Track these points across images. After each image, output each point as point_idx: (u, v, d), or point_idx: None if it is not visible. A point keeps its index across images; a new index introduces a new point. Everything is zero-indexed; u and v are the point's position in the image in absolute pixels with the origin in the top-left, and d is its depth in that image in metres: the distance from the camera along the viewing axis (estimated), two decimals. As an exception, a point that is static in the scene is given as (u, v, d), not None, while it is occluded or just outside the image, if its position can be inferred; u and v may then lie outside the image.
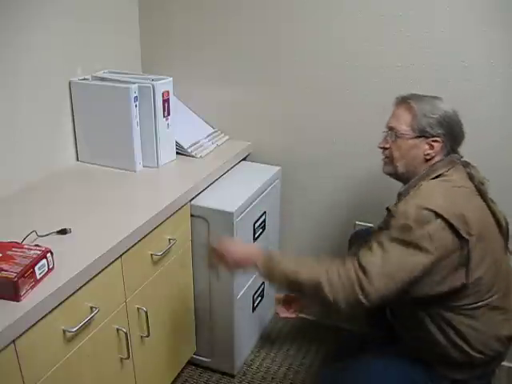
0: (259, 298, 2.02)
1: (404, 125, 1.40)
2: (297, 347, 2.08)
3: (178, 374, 1.86)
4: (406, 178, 1.43)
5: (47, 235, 1.29)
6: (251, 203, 1.76)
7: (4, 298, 1.05)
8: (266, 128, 2.04)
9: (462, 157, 1.44)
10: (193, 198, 1.68)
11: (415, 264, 1.24)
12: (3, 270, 1.06)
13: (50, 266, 1.15)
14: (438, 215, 1.23)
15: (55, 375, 1.15)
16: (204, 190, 1.74)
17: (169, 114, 1.78)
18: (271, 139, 2.05)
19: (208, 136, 2.03)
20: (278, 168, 2.00)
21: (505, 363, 1.96)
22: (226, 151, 1.98)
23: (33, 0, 1.55)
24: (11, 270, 1.06)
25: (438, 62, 1.71)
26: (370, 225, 1.99)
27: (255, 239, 1.85)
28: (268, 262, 1.33)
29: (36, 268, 1.10)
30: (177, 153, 1.89)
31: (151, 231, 1.45)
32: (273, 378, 1.93)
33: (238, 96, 2.03)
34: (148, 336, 1.51)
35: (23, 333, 1.03)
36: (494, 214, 1.39)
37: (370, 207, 1.96)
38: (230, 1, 1.91)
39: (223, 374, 1.94)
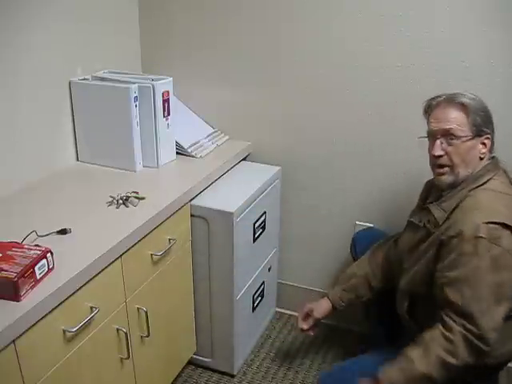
0: (259, 298, 2.02)
1: (462, 126, 1.31)
2: (297, 347, 2.08)
3: (178, 373, 1.86)
4: (459, 184, 1.34)
5: (47, 235, 1.29)
6: (251, 203, 1.76)
7: (4, 298, 1.05)
8: (266, 128, 2.04)
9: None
10: (193, 198, 1.68)
11: (508, 282, 1.19)
12: (3, 269, 1.06)
13: (50, 266, 1.15)
14: (506, 226, 1.19)
15: (55, 375, 1.15)
16: (204, 190, 1.74)
17: (169, 114, 1.78)
18: (271, 139, 2.05)
19: (208, 136, 2.03)
20: (277, 168, 2.00)
21: (505, 363, 1.96)
22: (226, 151, 1.98)
23: (33, 0, 1.55)
24: (11, 270, 1.06)
25: (438, 62, 1.71)
26: (369, 225, 1.99)
27: (255, 239, 1.85)
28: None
29: (36, 268, 1.10)
30: (177, 153, 1.89)
31: (151, 231, 1.45)
32: (273, 378, 1.93)
33: (238, 96, 2.03)
34: (148, 336, 1.51)
35: (23, 333, 1.03)
36: None
37: (370, 207, 1.96)
38: (230, 1, 1.91)
39: (223, 373, 1.94)
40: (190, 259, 1.75)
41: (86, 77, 1.78)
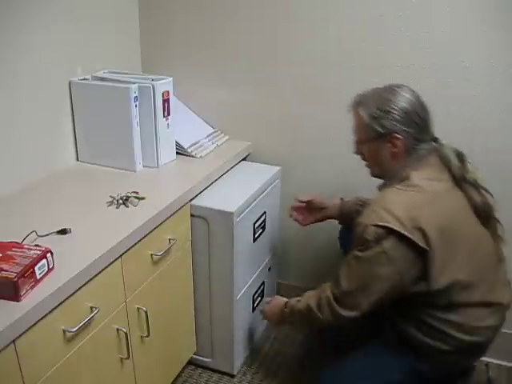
0: (259, 298, 2.02)
1: (360, 131, 1.40)
2: (297, 347, 2.08)
3: (178, 373, 1.86)
4: (386, 176, 1.43)
5: (47, 235, 1.29)
6: (251, 203, 1.76)
7: (4, 298, 1.05)
8: (266, 128, 2.04)
9: (435, 139, 1.40)
10: (193, 198, 1.68)
11: (383, 277, 1.29)
12: (3, 269, 1.06)
13: (50, 266, 1.15)
14: (391, 231, 1.25)
15: (55, 375, 1.15)
16: (204, 190, 1.74)
17: (169, 114, 1.78)
18: (271, 139, 2.05)
19: (208, 136, 2.03)
20: (277, 168, 2.00)
21: (505, 363, 1.96)
22: (226, 151, 1.98)
23: (33, 0, 1.55)
24: (11, 270, 1.06)
25: (438, 62, 1.71)
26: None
27: (255, 239, 1.85)
28: (288, 310, 1.55)
29: (36, 268, 1.10)
30: (177, 153, 1.89)
31: (151, 231, 1.45)
32: (273, 378, 1.93)
33: (238, 96, 2.03)
34: (148, 336, 1.51)
35: (23, 333, 1.03)
36: (472, 203, 1.37)
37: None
38: (229, 1, 1.91)
39: (223, 373, 1.94)
40: (190, 259, 1.75)
41: (86, 77, 1.78)
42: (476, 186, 1.39)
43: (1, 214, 1.43)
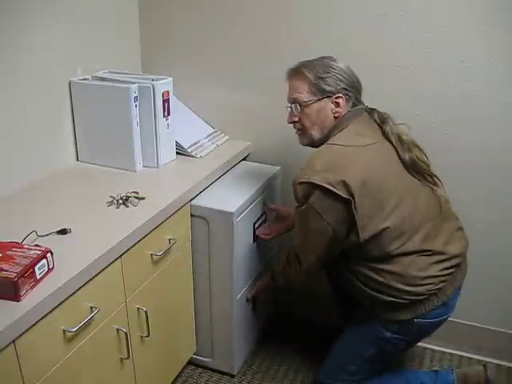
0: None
1: (304, 92, 1.44)
2: (297, 347, 2.07)
3: (178, 373, 1.86)
4: (324, 142, 1.46)
5: (47, 235, 1.29)
6: (251, 203, 1.76)
7: (4, 298, 1.05)
8: (266, 128, 2.04)
9: (366, 106, 1.50)
10: (193, 198, 1.68)
11: (316, 231, 1.39)
12: (3, 269, 1.06)
13: (50, 266, 1.15)
14: (315, 185, 1.33)
15: (55, 375, 1.15)
16: (204, 190, 1.74)
17: (169, 114, 1.78)
18: (271, 139, 2.05)
19: (208, 136, 2.03)
20: (277, 168, 2.00)
21: (505, 363, 1.97)
22: (226, 151, 1.98)
23: (33, 0, 1.55)
24: (11, 270, 1.06)
25: (438, 62, 1.71)
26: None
27: (255, 239, 1.85)
28: (274, 274, 1.73)
29: (36, 268, 1.10)
30: (177, 153, 1.89)
31: (151, 231, 1.45)
32: (273, 378, 1.93)
33: (238, 96, 2.03)
34: (148, 336, 1.51)
35: (23, 333, 1.03)
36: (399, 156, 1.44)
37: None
38: (230, 1, 1.91)
39: (223, 373, 1.94)
40: (190, 259, 1.75)
41: (86, 77, 1.78)
42: (402, 142, 1.46)
43: (1, 214, 1.43)
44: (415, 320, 1.43)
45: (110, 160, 1.78)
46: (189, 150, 1.89)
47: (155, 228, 1.47)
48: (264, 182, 1.87)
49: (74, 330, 1.17)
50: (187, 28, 2.00)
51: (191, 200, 1.67)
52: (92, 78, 1.78)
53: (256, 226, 1.83)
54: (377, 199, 1.35)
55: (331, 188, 1.31)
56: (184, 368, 1.91)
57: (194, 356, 1.93)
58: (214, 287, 1.77)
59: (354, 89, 1.46)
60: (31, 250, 1.14)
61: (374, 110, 1.51)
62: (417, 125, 1.57)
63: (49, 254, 1.14)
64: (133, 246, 1.38)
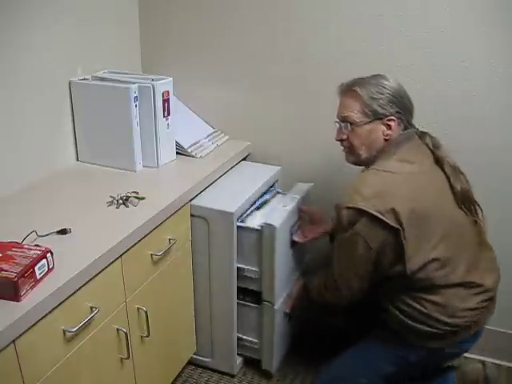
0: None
1: (356, 112, 1.40)
2: (297, 346, 2.07)
3: (178, 373, 1.86)
4: (372, 162, 1.44)
5: (47, 235, 1.29)
6: (289, 213, 1.73)
7: (4, 298, 1.05)
8: (266, 128, 2.04)
9: (417, 129, 1.46)
10: (193, 198, 1.68)
11: (361, 259, 1.35)
12: (3, 269, 1.06)
13: (50, 266, 1.15)
14: (363, 212, 1.29)
15: (55, 375, 1.15)
16: (204, 190, 1.74)
17: (169, 114, 1.78)
18: (271, 139, 2.05)
19: (208, 136, 2.03)
20: (277, 168, 2.00)
21: (505, 363, 1.97)
22: (226, 151, 1.98)
23: (33, 0, 1.55)
24: (11, 270, 1.06)
25: (438, 62, 1.71)
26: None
27: (293, 245, 1.82)
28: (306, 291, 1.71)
29: (36, 268, 1.10)
30: (177, 153, 1.89)
31: (151, 231, 1.45)
32: (273, 378, 1.93)
33: (238, 96, 2.03)
34: (148, 336, 1.51)
35: (23, 333, 1.03)
36: (451, 185, 1.41)
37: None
38: (229, 1, 1.91)
39: (223, 374, 1.94)
40: (190, 259, 1.75)
41: (86, 77, 1.78)
42: (455, 170, 1.43)
43: (1, 214, 1.43)
44: (446, 349, 1.42)
45: (110, 160, 1.78)
46: (189, 150, 1.89)
47: (155, 228, 1.47)
48: (264, 182, 1.86)
49: (74, 330, 1.17)
50: (187, 28, 2.00)
51: (191, 200, 1.67)
52: (92, 78, 1.78)
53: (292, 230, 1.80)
54: (424, 230, 1.31)
55: (380, 216, 1.27)
56: (184, 368, 1.91)
57: (194, 356, 1.93)
58: (214, 287, 1.77)
59: (406, 111, 1.42)
60: (31, 249, 1.14)
61: (426, 133, 1.46)
62: (417, 125, 1.57)
63: (49, 254, 1.14)
64: (133, 246, 1.38)
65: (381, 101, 1.38)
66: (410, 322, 1.39)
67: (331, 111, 1.91)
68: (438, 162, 1.42)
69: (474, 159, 1.77)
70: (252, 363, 1.96)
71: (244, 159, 2.06)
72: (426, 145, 1.44)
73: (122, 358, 1.41)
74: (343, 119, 1.45)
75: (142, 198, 1.52)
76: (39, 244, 1.20)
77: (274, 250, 1.65)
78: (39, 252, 1.13)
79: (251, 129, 2.07)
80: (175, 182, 1.78)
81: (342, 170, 1.96)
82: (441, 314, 1.36)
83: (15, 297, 1.05)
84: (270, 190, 1.93)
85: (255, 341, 1.87)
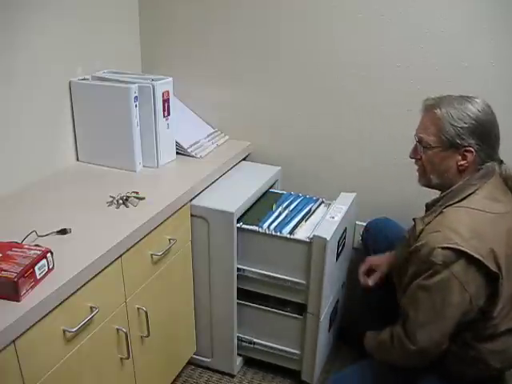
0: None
1: (432, 136, 1.30)
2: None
3: (178, 373, 1.86)
4: (443, 188, 1.34)
5: (47, 235, 1.29)
6: (338, 226, 1.69)
7: (4, 298, 1.05)
8: (266, 128, 2.04)
9: (501, 161, 1.33)
10: (193, 198, 1.68)
11: (453, 307, 1.21)
12: (3, 269, 1.06)
13: (50, 266, 1.15)
14: (462, 253, 1.17)
15: (55, 375, 1.15)
16: (204, 189, 1.74)
17: (169, 114, 1.78)
18: (271, 139, 2.05)
19: (208, 136, 2.03)
20: (278, 168, 2.00)
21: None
22: (226, 151, 1.98)
23: (33, 0, 1.55)
24: (11, 270, 1.05)
25: (438, 61, 1.71)
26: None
27: (338, 256, 1.79)
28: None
29: (36, 268, 1.10)
30: (177, 153, 1.89)
31: (151, 231, 1.45)
32: (273, 378, 1.92)
33: (238, 96, 2.03)
34: (148, 336, 1.51)
35: (23, 333, 1.03)
36: None
37: (370, 207, 1.96)
38: (230, 1, 1.90)
39: (223, 373, 1.94)
40: (190, 259, 1.75)
41: (86, 77, 1.78)
42: None
43: (1, 214, 1.43)
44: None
45: (110, 160, 1.78)
46: (189, 150, 1.89)
47: (155, 228, 1.47)
48: (264, 182, 1.86)
49: (74, 330, 1.17)
50: (187, 28, 2.00)
51: (191, 200, 1.67)
52: (92, 77, 1.78)
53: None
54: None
55: (481, 259, 1.16)
56: (184, 368, 1.91)
57: (194, 356, 1.93)
58: (214, 287, 1.77)
59: (488, 145, 1.28)
60: (31, 249, 1.14)
61: (508, 168, 1.34)
62: (417, 125, 1.57)
63: (49, 254, 1.14)
64: (133, 246, 1.38)
65: (461, 129, 1.25)
66: (467, 369, 1.31)
67: (332, 111, 1.92)
68: None
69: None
70: (279, 371, 1.93)
71: (244, 159, 2.06)
72: (506, 180, 1.33)
73: (121, 358, 1.41)
74: (419, 139, 1.35)
75: (142, 198, 1.52)
76: (39, 244, 1.20)
77: (324, 262, 1.59)
78: (39, 252, 1.13)
79: (251, 129, 2.07)
80: (175, 181, 1.78)
81: (343, 170, 1.97)
82: (499, 362, 1.29)
83: (15, 297, 1.05)
84: (314, 199, 1.89)
85: (295, 352, 1.84)
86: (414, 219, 1.40)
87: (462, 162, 1.28)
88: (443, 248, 1.18)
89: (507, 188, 1.32)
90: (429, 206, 1.39)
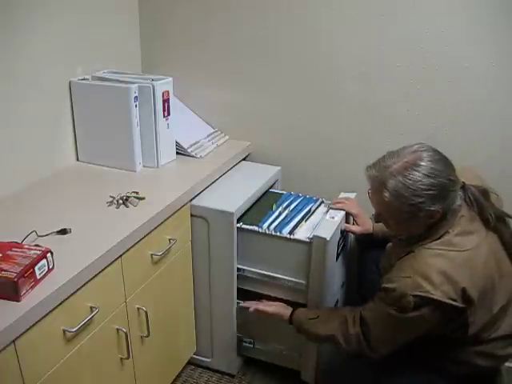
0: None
1: (390, 214, 1.28)
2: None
3: (178, 373, 1.86)
4: (420, 239, 1.29)
5: (47, 235, 1.29)
6: (337, 227, 1.69)
7: (4, 298, 1.05)
8: (266, 128, 2.04)
9: (463, 185, 1.28)
10: (193, 198, 1.68)
11: (412, 333, 1.26)
12: (3, 269, 1.06)
13: (50, 266, 1.15)
14: (432, 300, 1.17)
15: (55, 375, 1.15)
16: (204, 189, 1.74)
17: (169, 114, 1.78)
18: (271, 139, 2.05)
19: (208, 136, 2.03)
20: (277, 168, 2.00)
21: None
22: (226, 151, 1.98)
23: (33, 0, 1.55)
24: (11, 270, 1.06)
25: (438, 62, 1.71)
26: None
27: (338, 257, 1.79)
28: (296, 324, 1.52)
29: (36, 268, 1.10)
30: (177, 153, 1.89)
31: (151, 231, 1.45)
32: (273, 378, 1.93)
33: (238, 96, 2.03)
34: (148, 336, 1.51)
35: (23, 333, 1.03)
36: (506, 247, 1.31)
37: (370, 207, 1.96)
38: (230, 2, 1.91)
39: (223, 373, 1.94)
40: (190, 259, 1.75)
41: (85, 77, 1.78)
42: (503, 219, 1.32)
43: (1, 214, 1.43)
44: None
45: (110, 160, 1.78)
46: (189, 150, 1.89)
47: (155, 228, 1.47)
48: (264, 182, 1.86)
49: (74, 330, 1.17)
50: (187, 28, 2.00)
51: (191, 200, 1.67)
52: (92, 77, 1.78)
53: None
54: (489, 303, 1.25)
55: (451, 302, 1.17)
56: (184, 368, 1.91)
57: (194, 356, 1.93)
58: (214, 287, 1.77)
59: (450, 195, 1.22)
60: (31, 249, 1.14)
61: (468, 189, 1.29)
62: (417, 125, 1.57)
63: (49, 254, 1.14)
64: (133, 246, 1.38)
65: (419, 204, 1.20)
66: (455, 368, 1.33)
67: (332, 111, 1.92)
68: (487, 224, 1.29)
69: (473, 161, 1.77)
70: (279, 371, 1.93)
71: (244, 159, 2.06)
72: (472, 207, 1.29)
73: (121, 358, 1.41)
74: (376, 209, 1.31)
75: (142, 198, 1.52)
76: (39, 244, 1.20)
77: (324, 262, 1.59)
78: (39, 252, 1.13)
79: (251, 129, 2.07)
80: (175, 181, 1.78)
81: (343, 170, 1.97)
82: (486, 361, 1.31)
83: (15, 297, 1.05)
84: (314, 199, 1.88)
85: (295, 352, 1.83)
86: (389, 243, 1.43)
87: (430, 221, 1.24)
88: (414, 296, 1.18)
89: (474, 213, 1.29)
90: (401, 240, 1.37)
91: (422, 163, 1.20)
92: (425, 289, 1.17)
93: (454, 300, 1.18)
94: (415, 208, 1.21)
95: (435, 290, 1.17)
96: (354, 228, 1.73)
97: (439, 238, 1.25)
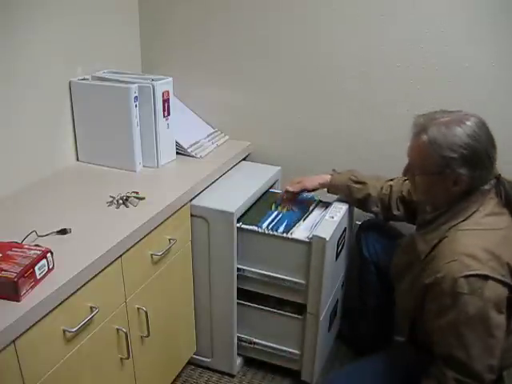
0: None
1: (420, 162, 1.26)
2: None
3: (178, 373, 1.86)
4: (438, 208, 1.31)
5: (47, 235, 1.29)
6: (337, 226, 1.69)
7: (4, 298, 1.05)
8: (266, 128, 2.04)
9: (498, 176, 1.28)
10: (193, 198, 1.68)
11: (498, 329, 1.16)
12: (3, 269, 1.06)
13: (50, 266, 1.15)
14: (486, 277, 1.13)
15: (55, 375, 1.15)
16: (204, 189, 1.74)
17: (169, 114, 1.78)
18: (271, 139, 2.05)
19: (208, 136, 2.03)
20: (277, 168, 2.00)
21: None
22: (226, 151, 1.98)
23: (33, 0, 1.55)
24: (11, 270, 1.06)
25: (438, 62, 1.71)
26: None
27: (337, 256, 1.80)
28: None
29: (36, 268, 1.10)
30: (177, 153, 1.89)
31: (151, 231, 1.45)
32: (273, 378, 1.93)
33: (238, 96, 2.03)
34: (148, 336, 1.51)
35: (23, 333, 1.03)
36: None
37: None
38: (230, 2, 1.91)
39: (223, 373, 1.94)
40: (190, 259, 1.75)
41: (85, 77, 1.78)
42: None
43: (1, 214, 1.43)
44: None
45: (110, 160, 1.78)
46: (189, 150, 1.89)
47: (155, 228, 1.47)
48: (264, 182, 1.86)
49: (74, 330, 1.17)
50: (187, 28, 2.00)
51: (191, 200, 1.67)
52: (92, 77, 1.78)
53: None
54: None
55: (503, 279, 1.15)
56: (184, 368, 1.91)
57: (194, 356, 1.93)
58: (214, 287, 1.77)
59: (482, 170, 1.22)
60: (31, 249, 1.14)
61: (506, 182, 1.29)
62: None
63: (49, 254, 1.14)
64: (133, 246, 1.38)
65: (450, 160, 1.20)
66: None
67: (332, 111, 1.92)
68: None
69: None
70: (277, 370, 1.93)
71: (244, 159, 2.06)
72: (506, 196, 1.29)
73: (121, 358, 1.41)
74: (409, 162, 1.32)
75: (142, 198, 1.52)
76: (39, 244, 1.20)
77: (323, 262, 1.59)
78: (39, 252, 1.13)
79: (251, 129, 2.07)
80: (175, 181, 1.78)
81: (342, 170, 1.97)
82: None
83: (15, 297, 1.05)
84: (311, 197, 1.88)
85: (295, 352, 1.83)
86: (412, 235, 1.40)
87: (454, 188, 1.24)
88: (466, 277, 1.14)
89: (503, 205, 1.29)
90: (426, 223, 1.35)
91: (468, 123, 1.22)
92: (474, 267, 1.14)
93: (503, 275, 1.15)
94: (445, 162, 1.20)
95: (484, 265, 1.14)
96: (308, 183, 1.76)
97: (469, 218, 1.23)
